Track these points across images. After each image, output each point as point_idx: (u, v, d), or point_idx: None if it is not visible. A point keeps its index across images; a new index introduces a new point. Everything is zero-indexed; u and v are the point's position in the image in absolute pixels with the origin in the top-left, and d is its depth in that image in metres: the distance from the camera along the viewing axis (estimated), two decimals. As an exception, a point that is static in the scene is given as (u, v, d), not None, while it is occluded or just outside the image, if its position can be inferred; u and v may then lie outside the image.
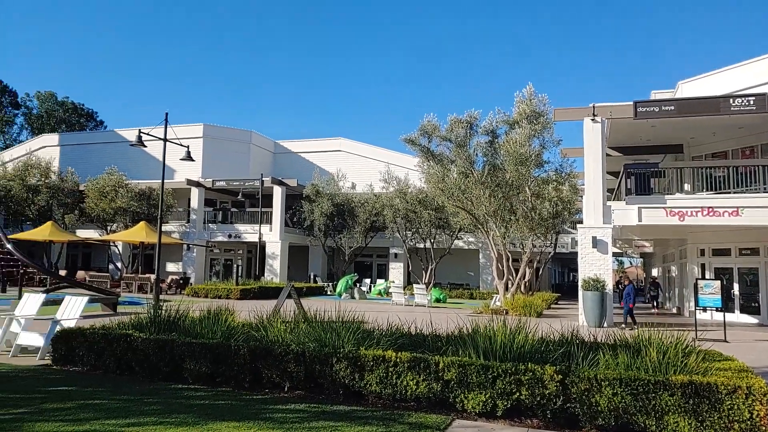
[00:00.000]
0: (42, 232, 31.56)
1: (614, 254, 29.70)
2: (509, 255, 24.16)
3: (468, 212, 23.57)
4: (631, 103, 18.59)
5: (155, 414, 6.31)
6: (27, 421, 5.86)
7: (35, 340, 9.63)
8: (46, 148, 45.07)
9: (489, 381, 6.58)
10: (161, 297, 19.74)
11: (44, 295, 11.53)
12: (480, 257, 36.40)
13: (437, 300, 27.78)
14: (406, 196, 32.37)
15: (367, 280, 36.00)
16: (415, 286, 27.04)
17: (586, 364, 6.85)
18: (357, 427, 6.02)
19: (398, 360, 7.04)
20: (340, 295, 28.92)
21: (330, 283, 34.36)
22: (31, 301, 10.95)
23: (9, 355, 9.59)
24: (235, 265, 32.35)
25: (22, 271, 22.65)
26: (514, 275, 24.47)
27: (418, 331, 8.79)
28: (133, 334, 8.29)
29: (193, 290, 27.10)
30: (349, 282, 29.44)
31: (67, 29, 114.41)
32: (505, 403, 6.51)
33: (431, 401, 6.90)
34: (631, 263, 73.39)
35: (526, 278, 27.18)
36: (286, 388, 7.58)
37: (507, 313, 20.18)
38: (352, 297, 28.66)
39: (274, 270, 34.46)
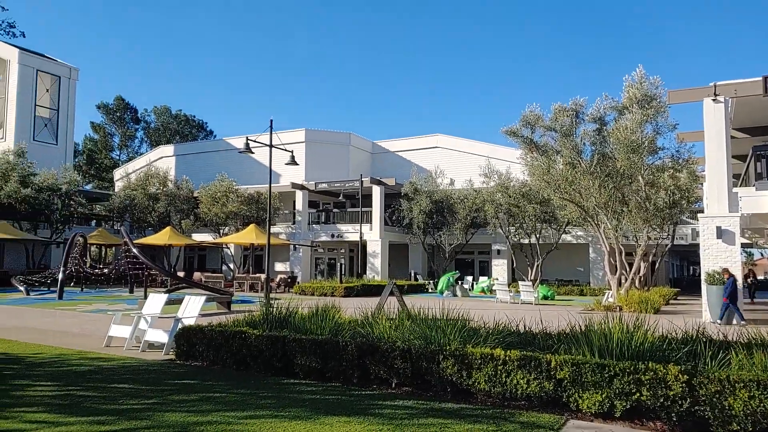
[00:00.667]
0: (162, 237, 34.11)
1: (742, 245, 27.24)
2: (622, 249, 22.83)
3: (576, 204, 22.55)
4: (760, 78, 16.88)
5: (270, 408, 6.54)
6: (157, 411, 6.29)
7: (160, 336, 10.36)
8: (163, 159, 48.66)
9: (605, 380, 6.23)
10: (271, 295, 20.64)
11: (167, 295, 12.41)
12: (590, 252, 34.79)
13: (544, 297, 26.87)
14: (508, 190, 31.55)
15: (469, 278, 35.50)
16: (520, 283, 26.31)
17: (715, 364, 6.30)
18: (467, 425, 5.90)
19: (507, 358, 6.84)
20: (441, 292, 28.77)
21: (431, 281, 34.28)
22: (156, 301, 11.81)
23: (139, 351, 10.39)
24: (338, 264, 33.20)
25: (146, 273, 24.55)
26: (628, 270, 23.11)
27: (526, 329, 8.50)
28: (248, 331, 8.67)
29: (300, 288, 28.10)
30: (451, 279, 29.20)
31: (176, 47, 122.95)
32: (624, 404, 6.13)
33: (543, 400, 6.64)
34: (762, 255, 67.06)
35: (641, 273, 25.57)
36: (393, 385, 7.61)
37: (621, 309, 19.10)
38: (454, 294, 28.41)
39: (375, 268, 34.94)
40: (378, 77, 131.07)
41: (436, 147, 42.08)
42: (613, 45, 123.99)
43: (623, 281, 22.57)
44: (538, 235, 32.53)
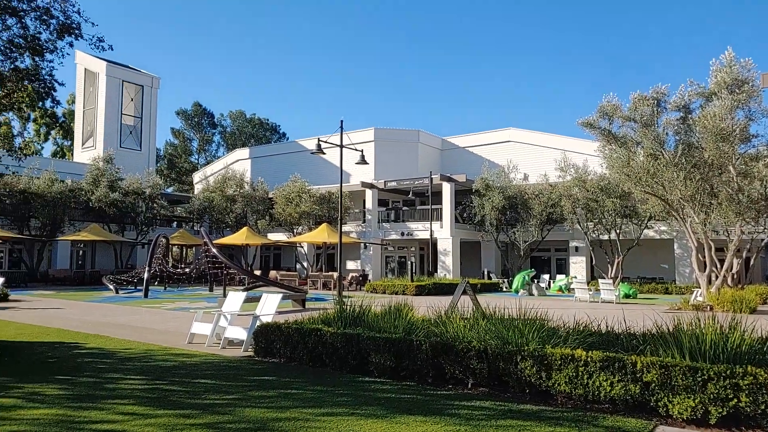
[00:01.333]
0: (239, 237, 35.32)
1: None
2: (711, 244, 21.46)
3: (659, 198, 21.41)
4: None
5: (346, 405, 6.58)
6: (238, 407, 6.46)
7: (239, 333, 10.67)
8: (239, 162, 50.34)
9: (698, 384, 5.86)
10: (343, 293, 20.90)
11: (245, 293, 12.78)
12: (675, 247, 32.97)
13: (626, 296, 25.74)
14: (585, 184, 30.40)
15: (546, 276, 34.54)
16: (600, 281, 25.33)
17: (825, 369, 5.77)
18: (547, 428, 5.70)
19: (589, 359, 6.57)
20: (516, 291, 28.15)
21: (505, 279, 33.59)
22: (235, 299, 12.18)
23: (219, 347, 10.74)
24: (408, 262, 33.15)
25: (225, 272, 25.46)
26: (719, 267, 21.71)
27: (608, 329, 8.14)
28: (323, 329, 8.76)
29: (371, 286, 28.29)
30: (526, 278, 28.52)
31: (248, 52, 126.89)
32: (720, 411, 5.73)
33: (628, 404, 6.33)
34: None
35: (734, 270, 23.94)
36: (469, 385, 7.47)
37: (711, 309, 17.99)
38: (530, 293, 27.72)
39: (447, 266, 34.66)
40: (446, 72, 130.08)
41: (509, 141, 41.23)
42: (695, 29, 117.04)
43: (713, 279, 21.23)
44: (618, 231, 31.19)
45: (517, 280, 28.53)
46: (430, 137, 44.37)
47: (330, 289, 29.56)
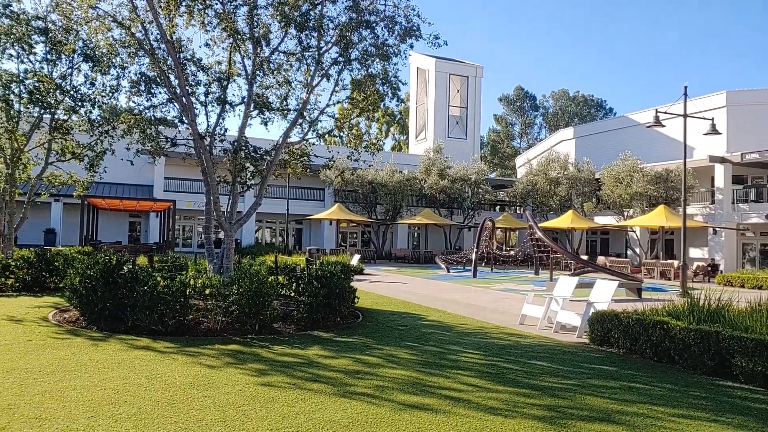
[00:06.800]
0: (564, 221, 34.53)
1: None
2: None
3: None
4: None
5: (704, 410, 5.74)
6: (578, 393, 6.19)
7: (572, 319, 10.32)
8: (562, 143, 49.06)
9: None
10: (687, 285, 18.56)
11: (577, 278, 12.33)
12: None
13: None
14: None
15: None
16: None
17: None
18: None
19: None
20: None
21: None
22: (566, 284, 11.83)
23: (551, 331, 10.57)
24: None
25: (550, 256, 25.17)
26: None
27: None
28: (670, 322, 7.80)
29: (724, 278, 24.42)
30: None
31: (569, 25, 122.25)
32: None
33: None
34: None
35: None
36: None
37: None
38: None
39: (831, 257, 27.67)
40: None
41: None
42: None
43: None
44: None
45: None
46: (806, 94, 35.89)
47: (669, 279, 26.65)
